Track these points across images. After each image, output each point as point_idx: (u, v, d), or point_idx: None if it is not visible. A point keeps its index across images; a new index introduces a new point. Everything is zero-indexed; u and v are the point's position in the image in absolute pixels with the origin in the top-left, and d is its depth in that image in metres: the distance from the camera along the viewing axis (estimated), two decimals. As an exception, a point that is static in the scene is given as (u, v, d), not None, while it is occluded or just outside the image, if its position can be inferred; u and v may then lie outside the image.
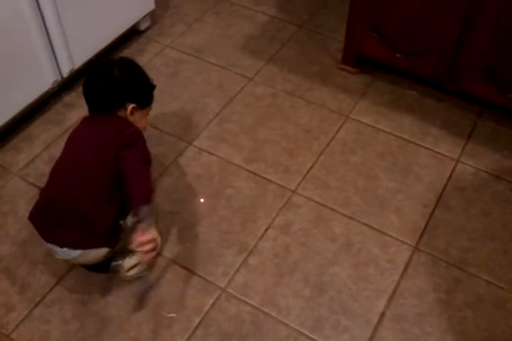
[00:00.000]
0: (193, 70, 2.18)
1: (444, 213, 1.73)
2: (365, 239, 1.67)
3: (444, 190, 1.78)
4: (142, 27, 2.31)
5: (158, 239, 1.36)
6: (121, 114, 1.46)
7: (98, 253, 1.44)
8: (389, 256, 1.63)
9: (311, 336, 1.47)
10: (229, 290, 1.56)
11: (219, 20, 2.39)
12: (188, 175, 1.83)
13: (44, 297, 1.54)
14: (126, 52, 2.23)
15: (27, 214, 1.47)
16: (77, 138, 1.47)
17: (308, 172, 1.84)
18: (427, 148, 1.90)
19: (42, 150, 1.90)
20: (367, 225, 1.70)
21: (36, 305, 1.52)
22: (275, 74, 2.15)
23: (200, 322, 1.49)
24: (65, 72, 1.97)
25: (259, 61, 2.20)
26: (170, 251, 1.63)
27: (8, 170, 1.84)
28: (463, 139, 1.93)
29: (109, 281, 1.56)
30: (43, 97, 1.98)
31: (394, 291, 1.56)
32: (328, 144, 1.92)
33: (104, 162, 1.39)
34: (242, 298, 1.54)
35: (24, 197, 1.75)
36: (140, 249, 1.32)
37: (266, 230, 1.69)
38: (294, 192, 1.78)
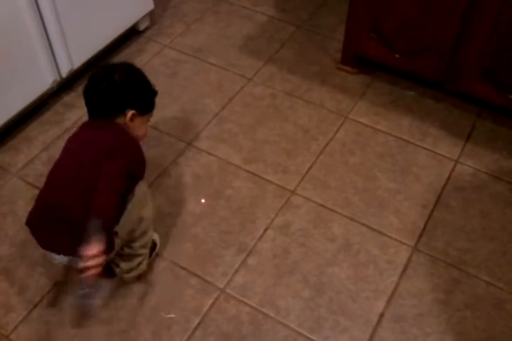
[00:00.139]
0: (192, 70, 2.17)
1: (443, 213, 1.73)
2: (364, 239, 1.67)
3: (443, 190, 1.78)
4: (141, 27, 2.31)
5: (102, 259, 1.26)
6: (121, 120, 1.43)
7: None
8: (388, 256, 1.63)
9: (310, 337, 1.47)
10: (228, 290, 1.56)
11: (218, 20, 2.39)
12: (188, 175, 1.83)
13: (43, 298, 1.54)
14: (126, 53, 2.23)
15: (26, 215, 1.46)
16: (75, 142, 1.45)
17: (307, 172, 1.84)
18: (426, 149, 1.90)
19: (41, 150, 1.90)
20: (366, 225, 1.70)
21: (35, 306, 1.52)
22: (274, 74, 2.15)
23: (199, 323, 1.49)
24: (64, 72, 1.97)
25: (258, 61, 2.20)
26: (169, 251, 1.63)
27: (7, 170, 1.84)
28: (462, 140, 1.93)
29: (108, 282, 1.56)
30: (41, 98, 1.98)
31: (393, 292, 1.56)
32: (327, 144, 1.91)
33: (100, 168, 1.35)
34: (241, 298, 1.54)
35: (23, 198, 1.75)
36: (83, 264, 1.24)
37: (265, 230, 1.69)
38: (293, 192, 1.78)
